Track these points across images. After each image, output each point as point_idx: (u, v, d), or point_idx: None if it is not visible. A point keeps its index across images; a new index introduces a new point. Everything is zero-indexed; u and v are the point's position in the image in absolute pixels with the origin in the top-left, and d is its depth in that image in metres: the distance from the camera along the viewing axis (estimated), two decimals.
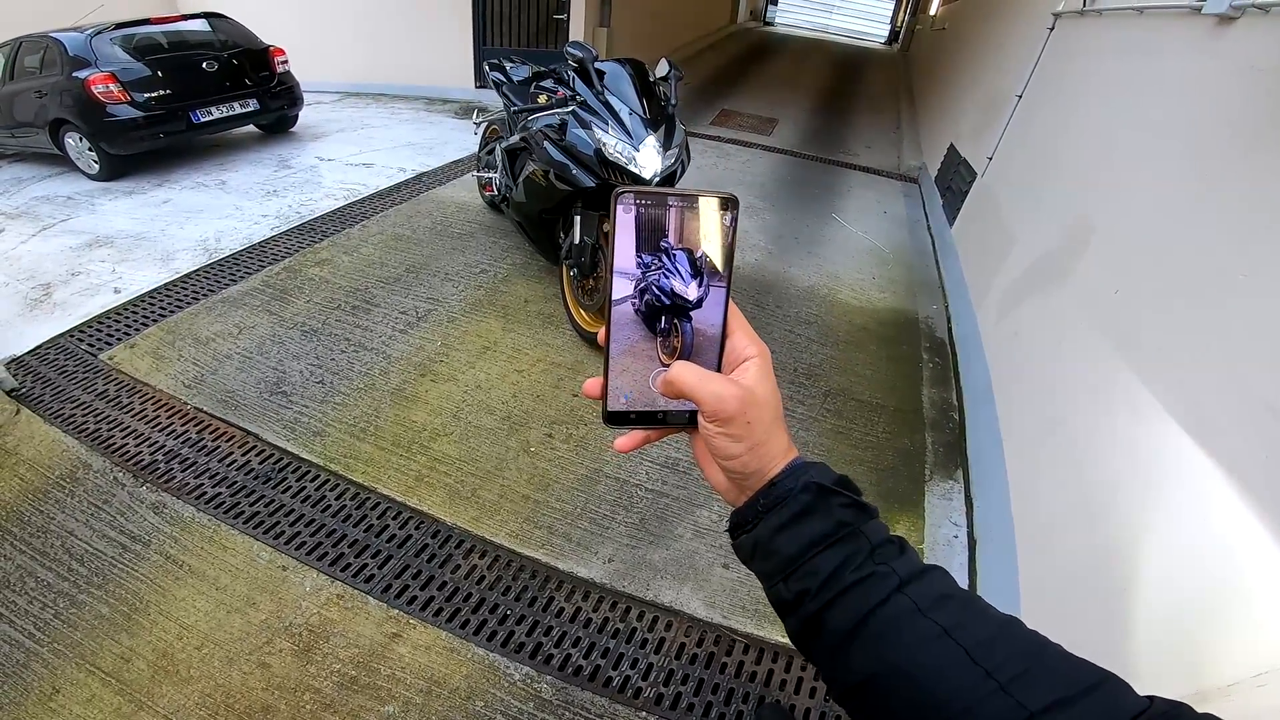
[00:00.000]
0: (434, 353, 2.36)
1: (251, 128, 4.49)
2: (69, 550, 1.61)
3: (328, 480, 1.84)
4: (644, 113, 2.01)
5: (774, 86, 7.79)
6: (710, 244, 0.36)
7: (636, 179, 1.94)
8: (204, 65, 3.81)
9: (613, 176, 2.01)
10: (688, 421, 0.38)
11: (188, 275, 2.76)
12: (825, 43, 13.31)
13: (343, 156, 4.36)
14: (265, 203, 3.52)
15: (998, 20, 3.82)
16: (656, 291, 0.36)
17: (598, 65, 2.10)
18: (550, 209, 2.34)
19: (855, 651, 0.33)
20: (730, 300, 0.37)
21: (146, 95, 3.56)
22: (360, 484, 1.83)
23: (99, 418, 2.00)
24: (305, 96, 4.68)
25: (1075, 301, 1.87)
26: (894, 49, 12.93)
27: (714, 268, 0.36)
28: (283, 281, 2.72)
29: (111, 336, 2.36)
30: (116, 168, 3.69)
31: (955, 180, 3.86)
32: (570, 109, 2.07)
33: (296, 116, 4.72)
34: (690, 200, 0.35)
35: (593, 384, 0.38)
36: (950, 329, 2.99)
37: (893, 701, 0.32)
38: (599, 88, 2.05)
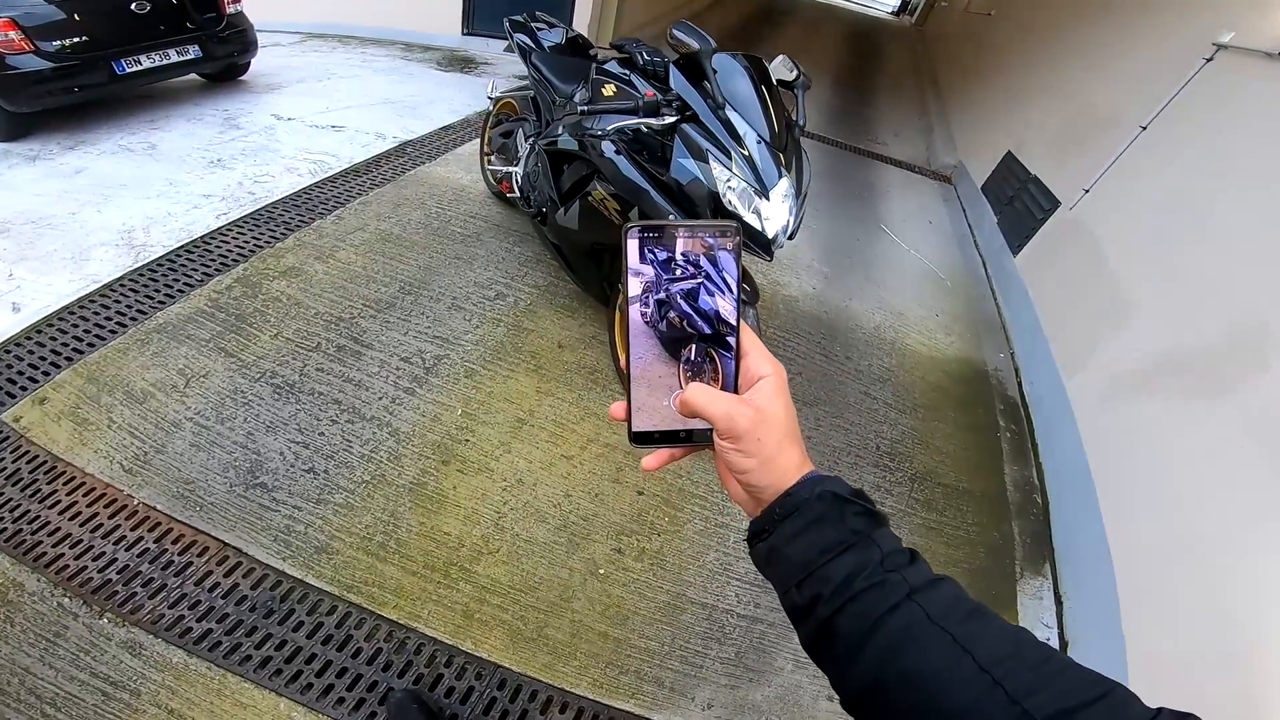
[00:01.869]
0: (454, 427, 1.86)
1: (193, 76, 3.68)
2: (34, 691, 1.20)
3: (349, 613, 1.41)
4: (774, 140, 1.49)
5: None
6: (722, 271, 0.39)
7: (756, 236, 1.47)
8: (133, 5, 3.01)
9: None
10: (708, 440, 0.40)
11: (109, 286, 2.13)
12: (834, 8, 12.55)
13: (306, 115, 3.63)
14: (208, 177, 2.84)
15: (1103, 28, 3.34)
16: (690, 313, 0.39)
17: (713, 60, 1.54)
18: (611, 244, 1.86)
19: (865, 657, 0.34)
20: (743, 322, 0.40)
21: (57, 43, 2.77)
22: (395, 621, 1.41)
23: (15, 512, 1.47)
24: (261, 38, 3.87)
25: (1242, 422, 1.56)
26: (906, 21, 12.28)
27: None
28: (238, 302, 2.13)
29: (13, 383, 1.77)
30: (18, 127, 2.91)
31: (1020, 199, 3.48)
32: (671, 120, 1.53)
33: (248, 64, 3.91)
34: (698, 230, 0.38)
35: (618, 407, 0.41)
36: (1020, 385, 2.69)
37: (900, 707, 0.33)
38: (717, 97, 1.50)
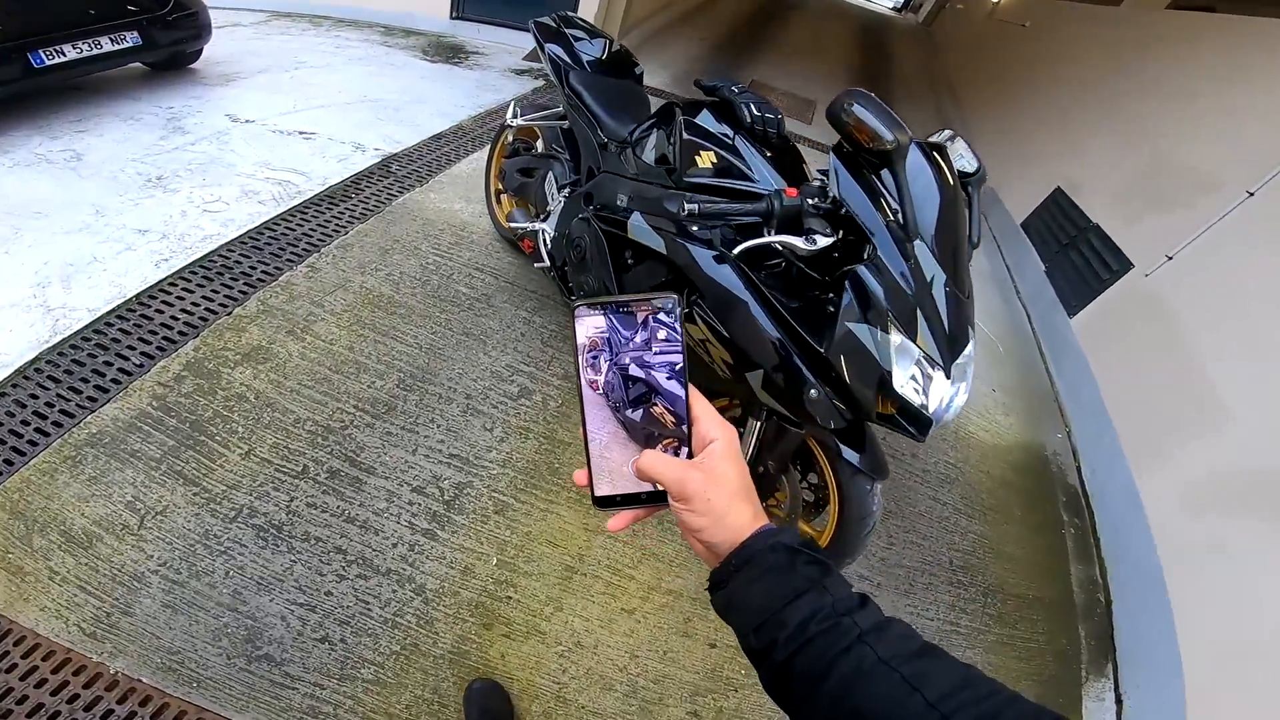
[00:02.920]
0: (492, 581, 1.50)
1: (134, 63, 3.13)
2: None
3: None
4: (960, 283, 1.06)
5: (799, 56, 6.80)
6: (669, 340, 0.43)
7: (912, 414, 1.06)
8: None
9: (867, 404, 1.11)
10: (665, 500, 0.44)
11: (22, 373, 1.67)
12: (836, 4, 12.10)
13: (268, 116, 3.12)
14: (144, 201, 2.35)
15: (1191, 73, 3.02)
16: (639, 383, 0.43)
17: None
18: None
19: (821, 698, 0.37)
20: (692, 387, 0.44)
21: None
22: None
23: None
24: (217, 16, 3.32)
25: None
26: (910, 19, 11.90)
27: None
28: (191, 401, 1.68)
29: None
30: None
31: (1076, 250, 3.20)
32: (827, 244, 1.07)
33: (200, 51, 3.36)
34: (641, 303, 0.42)
35: (581, 475, 0.45)
36: (1080, 472, 2.44)
37: None
38: (901, 218, 1.04)
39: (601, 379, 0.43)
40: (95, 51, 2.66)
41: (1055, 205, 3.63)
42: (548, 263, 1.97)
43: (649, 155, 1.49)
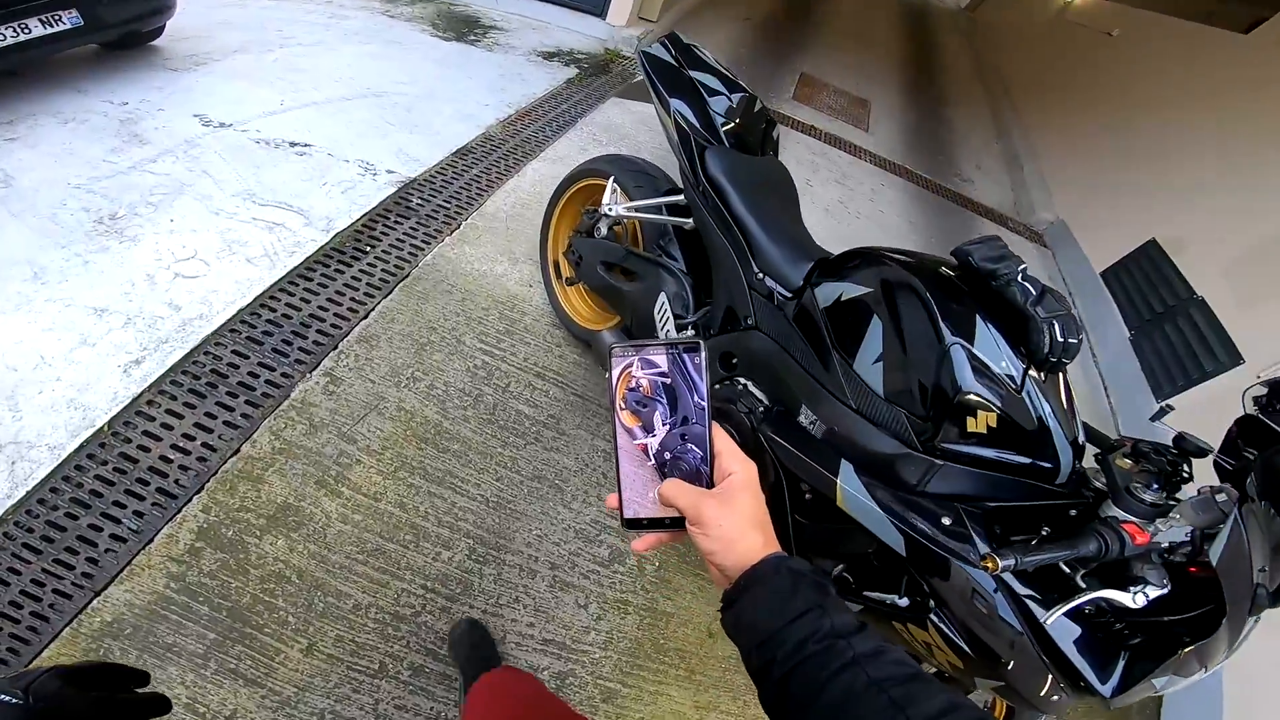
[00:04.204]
0: None
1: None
2: None
3: None
4: None
5: (844, 43, 6.20)
6: (693, 382, 0.48)
7: None
8: None
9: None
10: (684, 525, 0.48)
11: None
12: None
13: (248, 117, 2.54)
14: (96, 259, 1.81)
15: None
16: (668, 420, 0.48)
17: None
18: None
19: (813, 716, 0.40)
20: (715, 424, 0.48)
21: None
22: None
23: None
24: None
25: None
26: (952, 4, 11.14)
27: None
28: (220, 585, 1.28)
29: None
30: None
31: (1173, 323, 2.90)
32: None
33: (162, 28, 2.70)
34: (670, 348, 0.48)
35: (612, 498, 0.50)
36: None
37: None
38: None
39: (633, 417, 0.48)
40: (24, 37, 2.04)
41: (1148, 260, 3.31)
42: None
43: (866, 362, 1.05)
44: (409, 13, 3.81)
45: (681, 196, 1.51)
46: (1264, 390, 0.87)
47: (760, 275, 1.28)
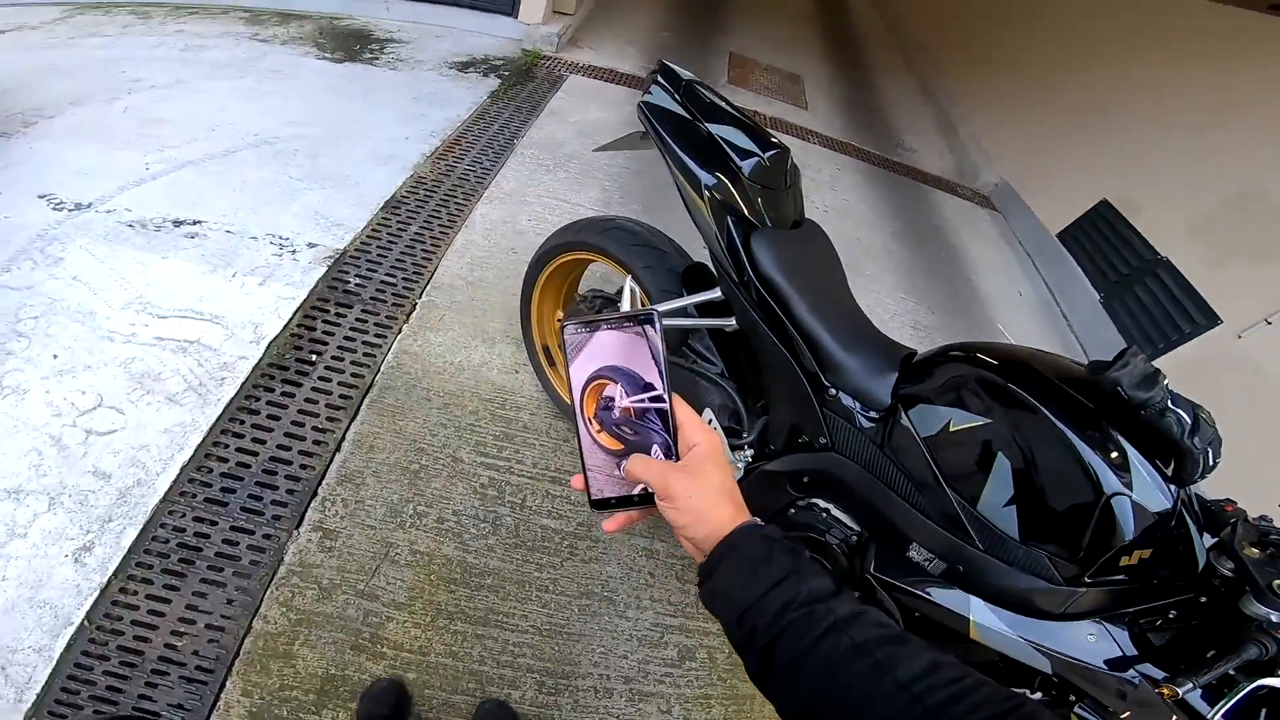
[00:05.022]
0: None
1: None
2: None
3: None
4: None
5: (765, 16, 6.15)
6: (650, 355, 0.49)
7: None
8: None
9: None
10: (654, 501, 0.50)
11: None
12: None
13: (108, 192, 2.11)
14: None
15: None
16: (626, 393, 0.50)
17: None
18: None
19: (799, 683, 0.42)
20: (674, 397, 0.50)
21: None
22: None
23: None
24: None
25: None
26: None
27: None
28: None
29: None
30: None
31: (1142, 286, 3.08)
32: None
33: None
34: (625, 322, 0.48)
35: (578, 479, 0.52)
36: None
37: None
38: None
39: (593, 400, 0.50)
40: None
41: (1104, 222, 3.50)
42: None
43: (995, 504, 0.95)
44: (283, 34, 3.34)
45: (717, 291, 1.30)
46: None
47: (834, 392, 1.13)
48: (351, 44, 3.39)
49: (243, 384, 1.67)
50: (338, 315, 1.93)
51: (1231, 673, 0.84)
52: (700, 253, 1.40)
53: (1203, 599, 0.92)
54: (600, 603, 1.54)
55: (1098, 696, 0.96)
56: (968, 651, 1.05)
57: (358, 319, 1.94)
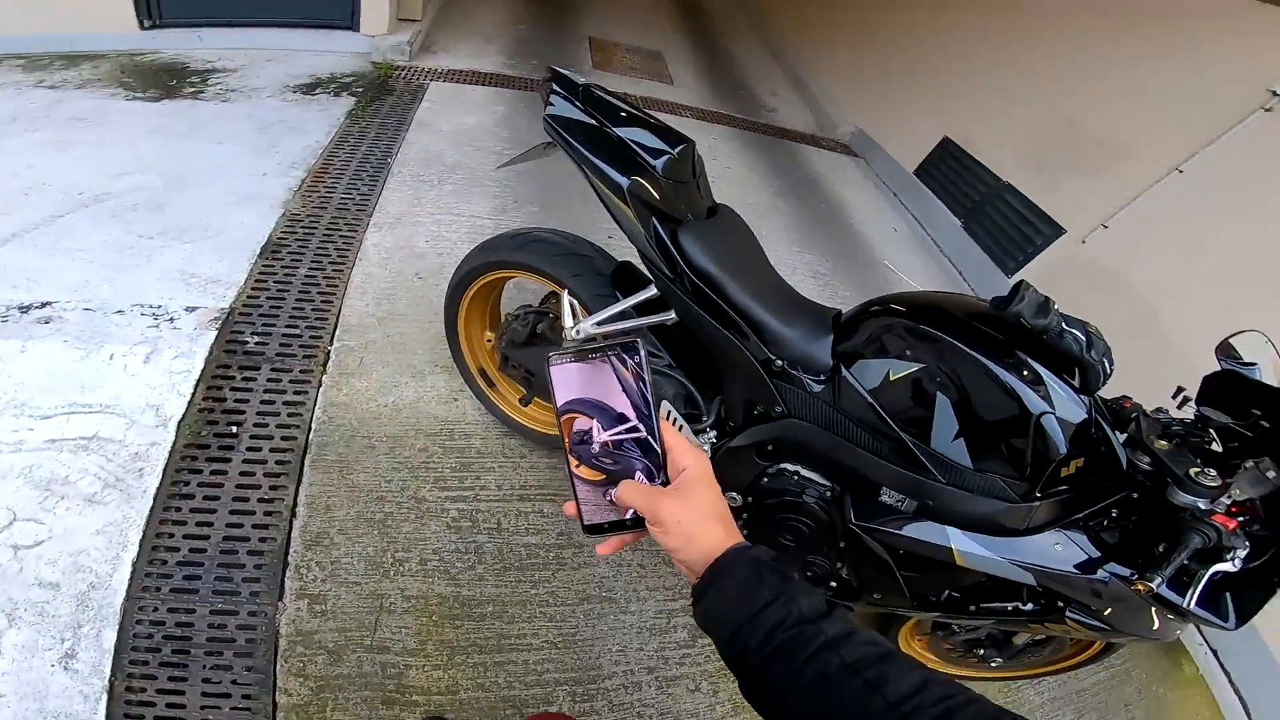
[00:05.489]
0: None
1: None
2: None
3: None
4: None
5: None
6: (637, 381, 0.50)
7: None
8: None
9: None
10: (645, 525, 0.52)
11: None
12: None
13: None
14: None
15: (1098, 50, 3.25)
16: (614, 421, 0.52)
17: None
18: None
19: (790, 703, 0.43)
20: (663, 421, 0.52)
21: None
22: None
23: None
24: None
25: None
26: None
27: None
28: None
29: None
30: None
31: (994, 209, 3.58)
32: None
33: None
34: (609, 348, 0.50)
35: (569, 506, 0.54)
36: None
37: None
38: None
39: (580, 423, 0.51)
40: None
41: (950, 157, 3.99)
42: None
43: (945, 439, 1.10)
44: (74, 77, 2.96)
45: (652, 289, 1.35)
46: (1232, 348, 1.12)
47: (780, 363, 1.24)
48: (165, 80, 3.08)
49: (164, 471, 1.55)
50: (246, 380, 1.82)
51: (1187, 562, 0.98)
52: (611, 244, 1.47)
53: (1135, 495, 1.08)
54: (602, 604, 1.62)
55: (1079, 599, 1.13)
56: (959, 577, 1.21)
57: (270, 379, 1.84)
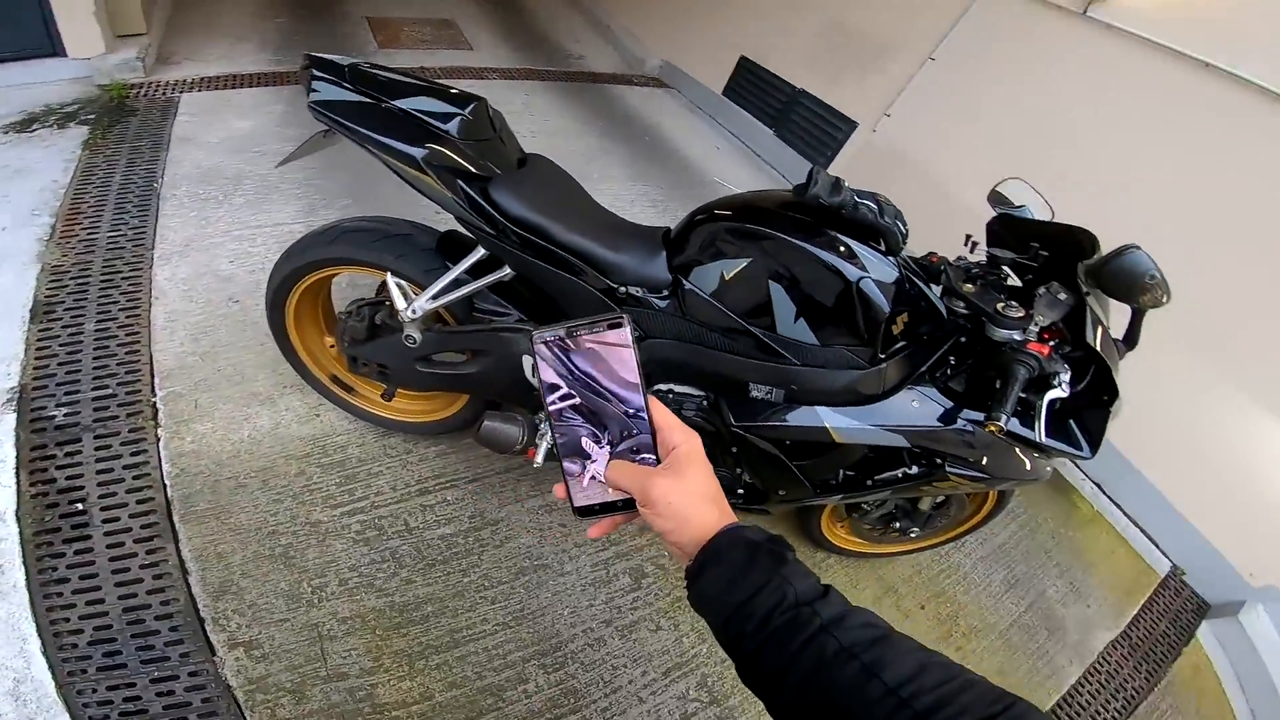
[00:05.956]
0: None
1: None
2: None
3: None
4: None
5: None
6: (623, 358, 0.49)
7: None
8: None
9: None
10: (636, 507, 0.51)
11: None
12: None
13: None
14: None
15: None
16: (602, 400, 0.50)
17: None
18: None
19: (789, 686, 0.42)
20: (652, 398, 0.51)
21: None
22: None
23: None
24: None
25: None
26: None
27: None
28: None
29: None
30: None
31: (797, 114, 3.95)
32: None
33: None
34: (595, 325, 0.48)
35: (559, 489, 0.52)
36: None
37: None
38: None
39: (568, 401, 0.50)
40: None
41: (750, 74, 4.31)
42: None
43: (788, 323, 1.22)
44: None
45: (480, 251, 1.37)
46: (1000, 194, 1.35)
47: (623, 290, 1.30)
48: None
49: (25, 563, 1.42)
50: (70, 455, 1.63)
51: (1024, 395, 1.12)
52: (439, 218, 1.47)
53: (963, 339, 1.25)
54: (537, 573, 1.69)
55: (954, 452, 1.29)
56: (843, 455, 1.36)
57: (98, 448, 1.66)
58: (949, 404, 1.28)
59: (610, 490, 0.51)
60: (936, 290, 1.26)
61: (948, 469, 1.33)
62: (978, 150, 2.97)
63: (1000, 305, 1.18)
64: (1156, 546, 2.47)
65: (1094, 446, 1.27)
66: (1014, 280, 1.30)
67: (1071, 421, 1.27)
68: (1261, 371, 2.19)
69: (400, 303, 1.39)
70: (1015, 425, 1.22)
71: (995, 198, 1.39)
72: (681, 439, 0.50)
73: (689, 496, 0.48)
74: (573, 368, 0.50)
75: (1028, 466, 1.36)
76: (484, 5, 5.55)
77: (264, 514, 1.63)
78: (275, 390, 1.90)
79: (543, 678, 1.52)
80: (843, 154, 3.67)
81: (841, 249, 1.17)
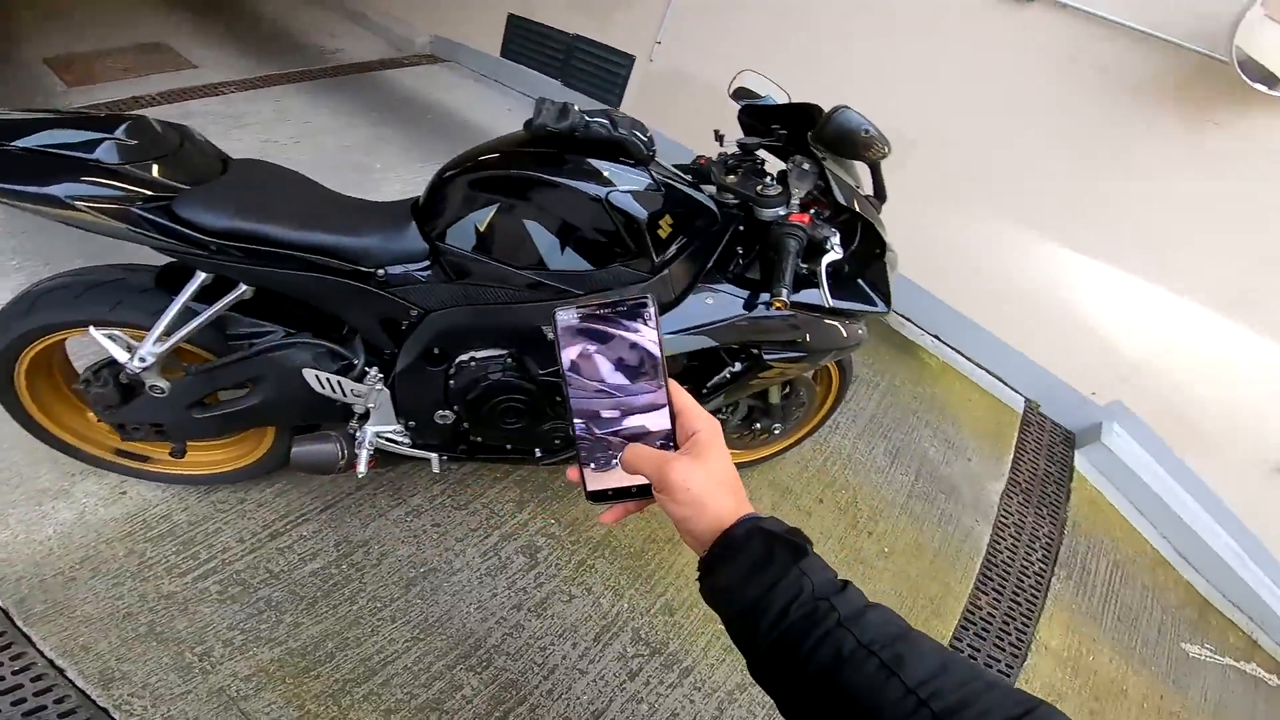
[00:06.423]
0: None
1: None
2: None
3: None
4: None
5: (59, 5, 4.99)
6: (645, 339, 0.49)
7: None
8: None
9: None
10: (652, 493, 0.50)
11: None
12: None
13: None
14: None
15: None
16: (621, 382, 0.50)
17: None
18: None
19: (804, 683, 0.42)
20: (672, 382, 0.51)
21: None
22: None
23: None
24: None
25: None
26: None
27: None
28: None
29: None
30: None
31: (578, 61, 4.01)
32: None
33: None
34: (617, 304, 0.49)
35: (572, 472, 0.53)
36: None
37: None
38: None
39: (587, 383, 0.50)
40: None
41: (521, 29, 4.29)
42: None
43: (557, 257, 1.23)
44: None
45: (202, 275, 1.25)
46: (743, 89, 1.48)
47: (382, 273, 1.26)
48: None
49: None
50: None
51: (803, 266, 1.20)
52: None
53: (741, 229, 1.34)
54: (428, 579, 1.68)
55: (766, 338, 1.38)
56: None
57: None
58: (745, 293, 1.38)
59: (625, 475, 0.51)
60: (711, 190, 1.34)
61: (764, 356, 1.44)
62: (741, 54, 3.19)
63: (759, 188, 1.29)
64: (1005, 384, 2.74)
65: (886, 299, 1.42)
66: (769, 166, 1.44)
67: (860, 281, 1.43)
68: (1015, 193, 2.56)
69: (120, 354, 1.26)
70: (813, 298, 1.32)
71: (739, 93, 1.52)
72: (703, 424, 0.50)
73: (707, 482, 0.48)
74: (592, 349, 0.49)
75: (844, 334, 1.49)
76: (201, 19, 4.98)
77: (109, 600, 1.49)
78: (64, 480, 1.70)
79: (475, 679, 1.52)
80: (630, 89, 3.79)
81: (586, 170, 1.19)
